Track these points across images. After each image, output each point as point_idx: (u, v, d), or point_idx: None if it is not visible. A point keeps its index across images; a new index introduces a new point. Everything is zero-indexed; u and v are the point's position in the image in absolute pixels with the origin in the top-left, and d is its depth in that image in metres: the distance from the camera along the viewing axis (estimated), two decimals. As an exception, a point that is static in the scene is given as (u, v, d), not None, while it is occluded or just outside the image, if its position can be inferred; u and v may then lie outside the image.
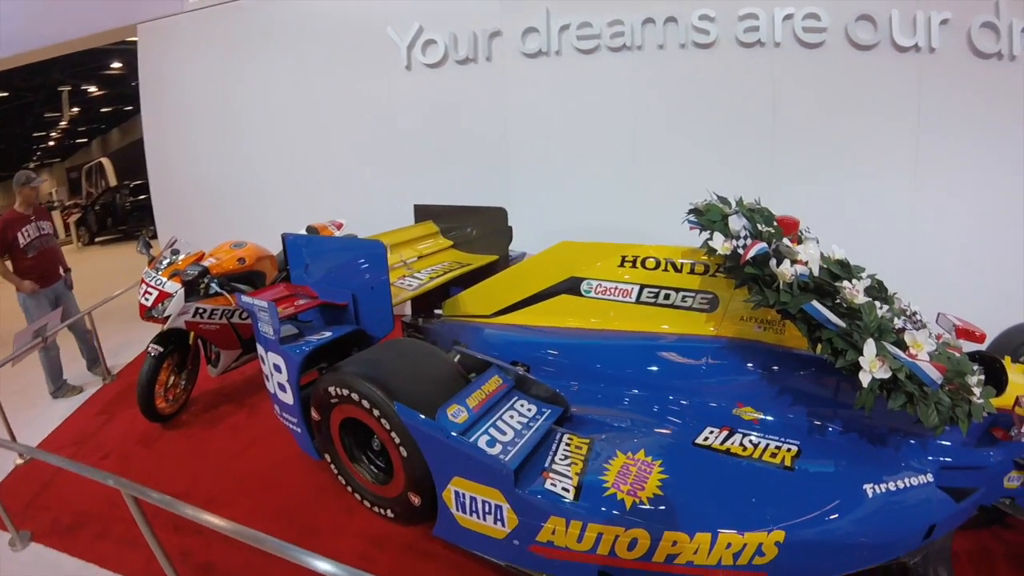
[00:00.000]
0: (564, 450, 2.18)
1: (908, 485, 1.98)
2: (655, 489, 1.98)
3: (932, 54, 3.46)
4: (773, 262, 2.01)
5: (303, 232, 4.18)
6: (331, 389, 2.41)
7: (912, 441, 2.15)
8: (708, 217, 2.34)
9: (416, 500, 2.29)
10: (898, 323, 2.05)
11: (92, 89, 16.37)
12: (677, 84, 4.05)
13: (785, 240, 2.15)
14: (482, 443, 2.05)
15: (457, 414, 2.13)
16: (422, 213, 4.22)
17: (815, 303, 1.91)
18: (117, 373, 4.27)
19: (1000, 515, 2.22)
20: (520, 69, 4.41)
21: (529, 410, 2.34)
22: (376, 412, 2.26)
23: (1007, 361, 2.28)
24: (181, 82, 5.65)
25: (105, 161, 17.60)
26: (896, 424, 2.17)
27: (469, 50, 4.46)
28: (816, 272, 2.05)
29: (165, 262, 3.26)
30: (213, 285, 3.25)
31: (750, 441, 2.21)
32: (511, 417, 2.27)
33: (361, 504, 2.57)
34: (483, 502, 2.03)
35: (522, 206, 3.94)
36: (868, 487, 1.95)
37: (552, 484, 1.97)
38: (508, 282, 3.16)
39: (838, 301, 2.01)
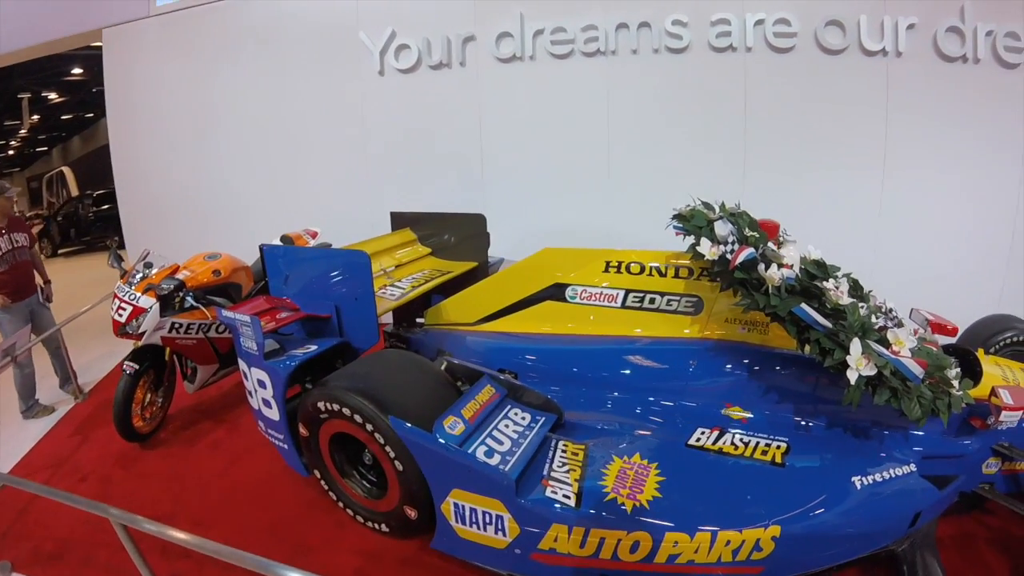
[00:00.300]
0: (561, 457, 2.19)
1: (893, 476, 2.07)
2: (654, 491, 2.01)
3: (899, 58, 3.59)
4: (761, 267, 2.06)
5: (277, 242, 4.10)
6: (320, 404, 2.36)
7: (894, 433, 2.24)
8: (694, 223, 2.38)
9: (412, 513, 2.27)
10: (879, 321, 2.12)
11: (52, 96, 15.67)
12: (651, 88, 4.10)
13: (770, 244, 2.20)
14: (480, 454, 2.04)
15: (454, 426, 2.11)
16: (399, 220, 4.18)
17: (804, 306, 1.96)
18: (89, 391, 4.10)
19: (980, 500, 2.32)
20: (494, 74, 4.40)
21: (523, 418, 2.34)
22: (369, 427, 2.22)
23: (980, 353, 2.39)
24: (148, 88, 5.47)
25: (66, 170, 16.95)
26: (878, 418, 2.25)
27: (443, 55, 4.44)
28: (797, 273, 2.12)
29: (138, 276, 3.14)
30: (189, 299, 3.15)
31: (741, 440, 2.27)
32: (506, 426, 2.26)
33: (354, 519, 2.52)
34: (483, 513, 2.02)
35: (497, 211, 3.95)
36: (856, 479, 2.03)
37: (553, 492, 1.98)
38: (491, 289, 3.15)
39: (823, 302, 2.07)
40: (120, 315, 3.01)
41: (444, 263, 3.98)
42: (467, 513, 2.06)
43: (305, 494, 2.74)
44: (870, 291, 2.50)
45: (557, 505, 1.93)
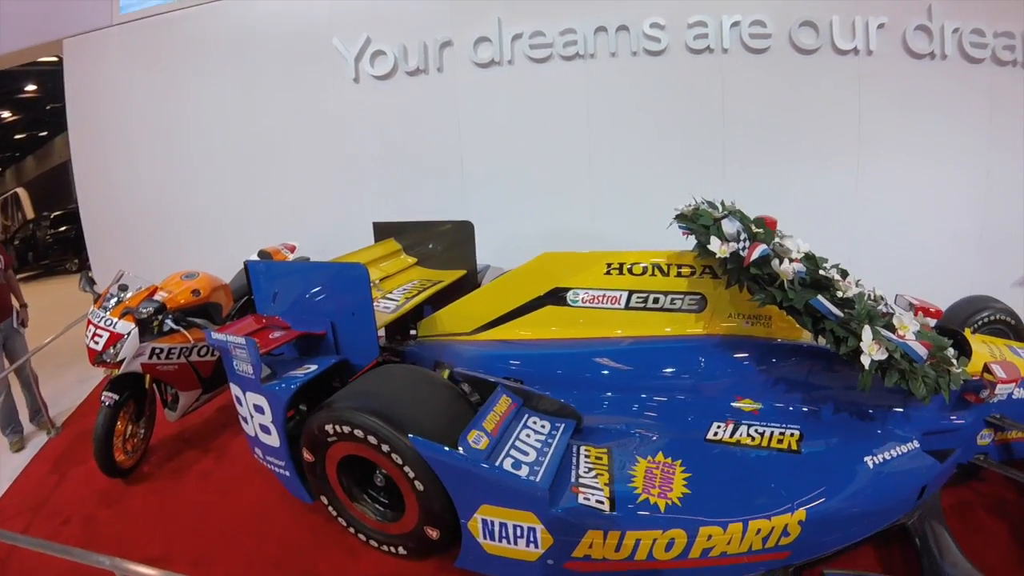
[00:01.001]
0: (586, 462, 2.18)
1: (899, 453, 2.17)
2: (682, 488, 2.03)
3: (871, 56, 3.76)
4: (776, 262, 2.11)
5: (254, 257, 3.93)
6: (328, 427, 2.25)
7: (895, 413, 2.34)
8: (701, 222, 2.42)
9: (434, 533, 2.19)
10: (881, 308, 2.21)
11: (5, 114, 14.67)
12: (630, 90, 4.16)
13: (776, 240, 2.26)
14: (508, 467, 1.99)
15: (478, 440, 2.05)
16: (382, 231, 4.08)
17: (820, 297, 2.02)
18: (62, 424, 3.78)
19: (975, 471, 2.45)
20: (473, 79, 4.37)
21: (543, 427, 2.31)
22: (385, 447, 2.13)
23: (968, 332, 2.53)
24: (113, 100, 5.15)
25: (21, 192, 15.92)
26: (879, 399, 2.35)
27: (420, 61, 4.37)
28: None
29: (113, 300, 2.93)
30: (168, 322, 2.96)
31: (756, 431, 2.32)
32: (528, 436, 2.22)
33: (366, 544, 2.42)
34: (515, 526, 1.97)
35: (479, 216, 3.90)
36: (868, 460, 2.11)
37: (585, 498, 1.96)
38: (488, 297, 3.10)
39: (832, 293, 2.14)
40: (96, 343, 2.80)
41: (432, 272, 3.91)
42: (496, 528, 2.01)
43: (309, 522, 2.61)
44: (858, 280, 2.60)
45: (591, 511, 1.92)
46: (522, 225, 4.49)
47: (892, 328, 2.09)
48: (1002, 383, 2.16)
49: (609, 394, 2.62)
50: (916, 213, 3.94)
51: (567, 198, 4.44)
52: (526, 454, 2.10)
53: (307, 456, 2.40)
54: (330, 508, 2.47)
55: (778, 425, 2.34)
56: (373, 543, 2.40)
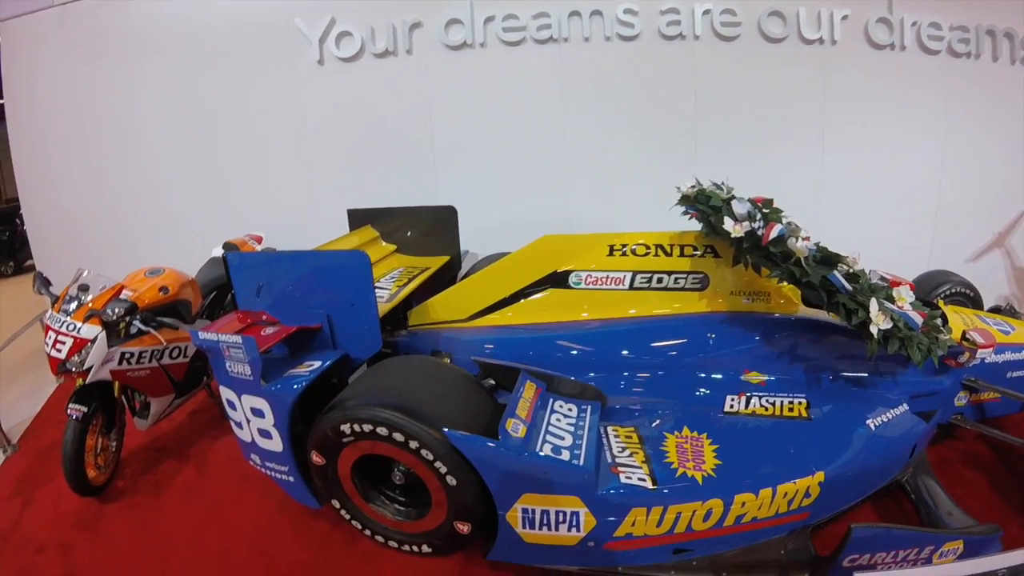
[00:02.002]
0: (617, 442, 2.20)
1: (894, 416, 2.33)
2: (714, 460, 2.10)
3: (834, 46, 4.00)
4: (792, 240, 2.21)
5: (218, 250, 3.67)
6: (344, 427, 2.11)
7: (885, 379, 2.52)
8: (711, 203, 2.48)
9: (465, 528, 2.12)
10: (878, 282, 2.37)
11: None
12: (603, 75, 4.18)
13: (785, 219, 2.36)
14: (546, 453, 1.97)
15: (515, 428, 2.02)
16: (358, 218, 3.91)
17: (836, 273, 2.14)
18: (18, 441, 3.32)
19: (951, 430, 2.70)
20: (444, 62, 4.23)
21: (570, 410, 2.30)
22: (413, 444, 2.03)
23: (940, 303, 2.77)
24: (56, 88, 4.57)
25: None
26: (869, 367, 2.53)
27: (388, 42, 4.17)
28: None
29: (74, 303, 2.61)
30: (136, 323, 2.68)
31: (767, 401, 2.43)
32: (558, 421, 2.20)
33: (385, 546, 2.31)
34: (557, 512, 1.95)
35: (451, 201, 3.86)
36: (869, 423, 2.26)
37: (627, 477, 1.98)
38: (485, 282, 3.04)
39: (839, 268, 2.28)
40: (59, 350, 2.49)
41: (414, 259, 3.80)
42: (537, 516, 1.98)
43: (315, 530, 2.46)
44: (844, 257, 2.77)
45: (635, 489, 1.94)
46: (495, 210, 4.41)
47: (892, 299, 2.24)
48: (982, 348, 2.38)
49: (625, 373, 2.64)
50: (876, 194, 4.24)
51: (541, 182, 4.42)
52: (562, 439, 2.08)
53: (317, 459, 2.26)
54: (343, 512, 2.35)
55: (786, 395, 2.46)
56: (393, 544, 2.31)
